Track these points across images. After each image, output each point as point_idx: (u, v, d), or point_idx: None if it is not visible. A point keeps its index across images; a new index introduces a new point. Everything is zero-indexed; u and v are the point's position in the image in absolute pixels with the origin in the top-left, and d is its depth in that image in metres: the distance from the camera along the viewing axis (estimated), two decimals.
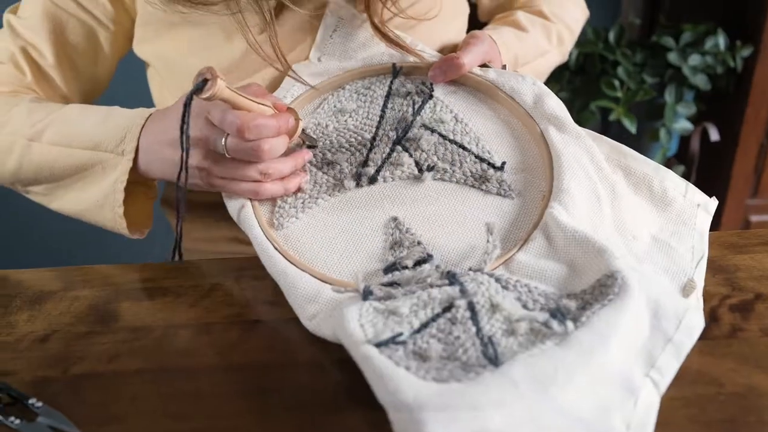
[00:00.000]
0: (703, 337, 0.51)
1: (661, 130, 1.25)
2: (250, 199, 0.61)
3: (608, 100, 1.22)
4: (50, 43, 0.71)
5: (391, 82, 0.68)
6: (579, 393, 0.41)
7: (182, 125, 0.57)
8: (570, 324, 0.45)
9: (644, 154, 1.23)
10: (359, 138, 0.65)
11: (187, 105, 0.56)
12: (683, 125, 1.26)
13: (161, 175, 0.64)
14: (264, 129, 0.56)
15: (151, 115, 0.64)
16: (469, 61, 0.67)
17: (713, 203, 0.61)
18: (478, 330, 0.46)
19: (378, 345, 0.45)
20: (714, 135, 1.30)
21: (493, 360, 0.44)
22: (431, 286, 0.51)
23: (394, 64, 0.69)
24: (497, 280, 0.50)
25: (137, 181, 0.65)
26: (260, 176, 0.59)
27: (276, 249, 0.57)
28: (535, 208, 0.59)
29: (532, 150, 0.63)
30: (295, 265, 0.56)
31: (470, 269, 0.53)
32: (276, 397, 0.48)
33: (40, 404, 0.48)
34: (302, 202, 0.61)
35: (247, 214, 0.59)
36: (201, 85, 0.53)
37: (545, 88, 0.66)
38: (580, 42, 1.28)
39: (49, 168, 0.66)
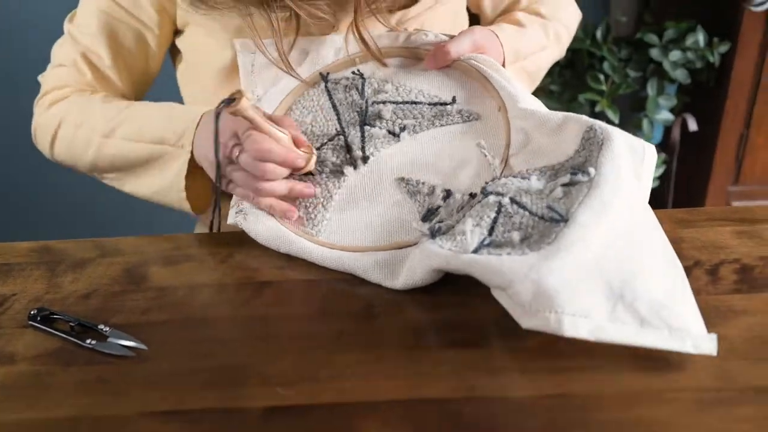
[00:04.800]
0: None
1: (643, 121, 1.34)
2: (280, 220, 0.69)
3: (594, 93, 1.31)
4: (106, 47, 0.82)
5: (326, 86, 0.77)
6: (621, 206, 0.56)
7: (215, 132, 0.67)
8: (591, 169, 0.59)
9: None
10: (329, 134, 0.74)
11: (218, 116, 0.66)
12: (664, 116, 1.35)
13: (206, 168, 0.73)
14: (271, 154, 0.66)
15: (203, 115, 0.73)
16: (456, 49, 0.75)
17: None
18: (530, 211, 0.59)
19: (474, 251, 0.56)
20: (692, 125, 1.39)
21: (561, 218, 0.56)
22: (471, 206, 0.62)
23: (320, 73, 0.77)
24: (514, 176, 0.63)
25: (197, 169, 0.75)
26: (255, 190, 0.68)
27: (334, 248, 0.65)
28: (499, 118, 0.71)
29: (467, 81, 0.75)
30: (358, 251, 0.65)
31: (487, 182, 0.64)
32: (280, 341, 0.57)
33: (107, 329, 0.58)
34: (322, 204, 0.70)
35: (291, 238, 0.67)
36: (228, 101, 0.62)
37: (445, 37, 0.78)
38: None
39: (122, 159, 0.78)
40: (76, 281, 0.67)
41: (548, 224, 0.57)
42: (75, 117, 0.81)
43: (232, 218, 0.70)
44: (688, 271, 0.64)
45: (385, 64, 0.77)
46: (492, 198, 0.61)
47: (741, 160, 1.45)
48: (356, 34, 0.76)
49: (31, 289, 0.66)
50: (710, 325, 0.56)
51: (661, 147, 1.49)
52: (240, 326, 0.60)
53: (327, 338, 0.57)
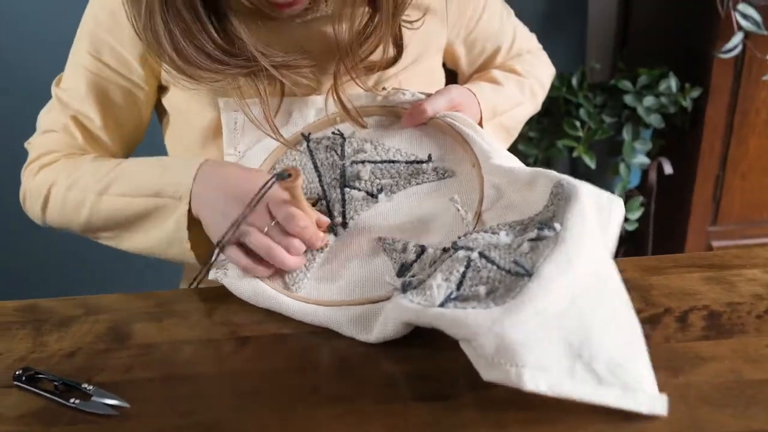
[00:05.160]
0: None
1: (620, 165, 1.38)
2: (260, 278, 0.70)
3: (571, 139, 1.35)
4: (96, 108, 0.84)
5: (308, 146, 0.79)
6: (585, 261, 0.57)
7: (255, 199, 0.68)
8: (557, 225, 0.60)
9: (606, 187, 1.39)
10: (312, 198, 0.76)
11: (265, 186, 0.68)
12: (641, 160, 1.38)
13: (209, 226, 0.72)
14: (304, 232, 0.68)
15: (201, 165, 0.74)
16: (433, 107, 0.78)
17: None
18: (498, 266, 0.60)
19: (441, 305, 0.58)
20: (668, 168, 1.43)
21: (527, 272, 0.58)
22: (443, 261, 0.63)
23: (302, 133, 0.80)
24: (485, 231, 0.64)
25: (192, 221, 0.74)
26: (271, 258, 0.69)
27: (309, 302, 0.67)
28: (473, 175, 0.73)
29: (443, 138, 0.78)
30: (333, 305, 0.66)
31: (459, 237, 0.66)
32: (260, 396, 0.59)
33: (91, 387, 0.59)
34: (305, 266, 0.71)
35: (270, 293, 0.68)
36: (285, 176, 0.65)
37: (422, 95, 0.81)
38: None
39: (119, 215, 0.77)
40: (61, 340, 0.68)
41: (514, 278, 0.58)
42: (65, 180, 0.81)
43: (213, 274, 0.72)
44: (657, 318, 0.66)
45: (364, 126, 0.80)
46: (461, 253, 0.63)
47: (718, 201, 1.48)
48: (336, 99, 0.78)
49: (16, 348, 0.67)
50: (679, 373, 0.58)
51: (639, 190, 1.52)
52: (221, 382, 0.61)
53: (305, 392, 0.58)
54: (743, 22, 1.23)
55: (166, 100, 0.86)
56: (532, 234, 0.62)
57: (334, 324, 0.65)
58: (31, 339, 0.69)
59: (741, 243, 1.50)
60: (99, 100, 0.84)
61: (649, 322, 0.65)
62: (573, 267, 0.57)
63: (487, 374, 0.53)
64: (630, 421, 0.53)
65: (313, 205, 0.76)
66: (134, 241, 0.79)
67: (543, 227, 0.61)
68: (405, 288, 0.62)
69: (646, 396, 0.52)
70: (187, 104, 0.83)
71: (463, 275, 0.61)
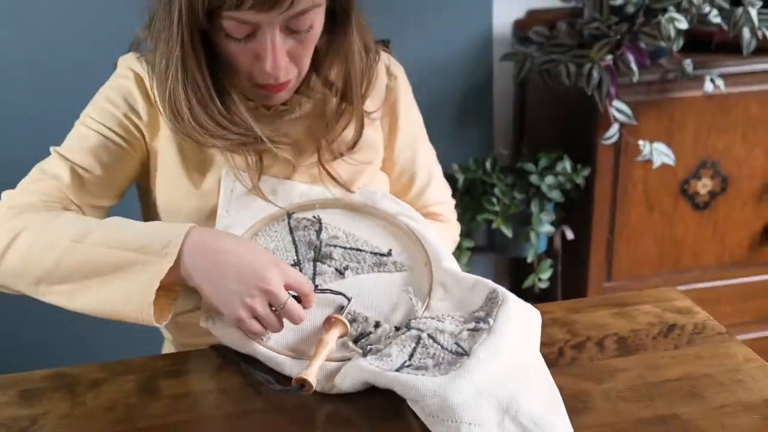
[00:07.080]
0: (552, 365, 0.81)
1: (531, 234, 1.62)
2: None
3: (489, 213, 1.58)
4: (93, 158, 0.91)
5: (289, 223, 0.95)
6: (511, 351, 0.76)
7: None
8: (491, 320, 0.79)
9: (520, 253, 1.60)
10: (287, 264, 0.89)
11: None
12: (546, 229, 1.63)
13: (213, 297, 0.78)
14: (298, 322, 0.80)
15: (191, 229, 0.79)
16: None
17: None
18: (442, 346, 0.79)
19: (396, 370, 0.75)
20: (569, 234, 1.68)
21: (465, 353, 0.77)
22: (397, 337, 0.80)
23: (287, 212, 0.96)
24: (432, 318, 0.82)
25: (161, 284, 0.76)
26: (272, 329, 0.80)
27: (280, 353, 0.81)
28: (424, 272, 0.90)
29: (402, 238, 0.95)
30: (297, 358, 0.80)
31: (410, 320, 0.83)
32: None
33: None
34: None
35: (245, 340, 0.81)
36: (297, 388, 0.75)
37: (399, 202, 0.99)
38: (465, 169, 1.65)
39: (90, 264, 0.77)
40: (97, 397, 0.78)
41: (455, 356, 0.77)
42: (39, 225, 0.82)
43: (203, 322, 0.84)
44: (582, 344, 0.86)
45: (351, 191, 0.97)
46: (414, 332, 0.81)
47: (610, 261, 1.74)
48: (323, 170, 0.96)
49: (56, 408, 0.77)
50: (602, 381, 0.78)
51: (547, 254, 1.76)
52: (239, 423, 0.74)
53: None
54: (618, 115, 1.52)
55: (156, 189, 0.97)
56: (470, 326, 0.80)
57: (293, 374, 0.77)
58: (69, 399, 0.78)
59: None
60: (96, 153, 0.91)
61: (576, 347, 0.85)
62: (500, 352, 0.75)
63: (434, 429, 0.69)
64: (568, 412, 0.71)
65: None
66: (89, 296, 0.78)
67: (479, 321, 0.80)
68: (365, 353, 0.79)
69: None
70: (170, 196, 0.96)
71: (414, 350, 0.79)
